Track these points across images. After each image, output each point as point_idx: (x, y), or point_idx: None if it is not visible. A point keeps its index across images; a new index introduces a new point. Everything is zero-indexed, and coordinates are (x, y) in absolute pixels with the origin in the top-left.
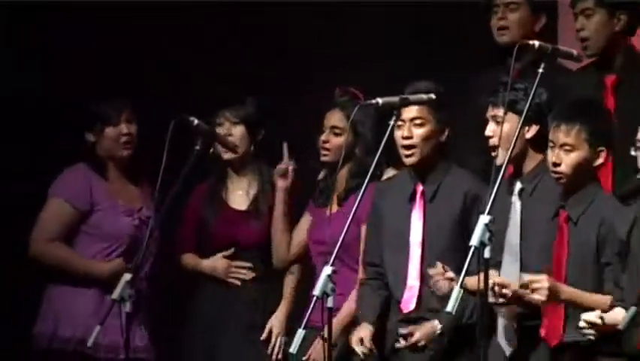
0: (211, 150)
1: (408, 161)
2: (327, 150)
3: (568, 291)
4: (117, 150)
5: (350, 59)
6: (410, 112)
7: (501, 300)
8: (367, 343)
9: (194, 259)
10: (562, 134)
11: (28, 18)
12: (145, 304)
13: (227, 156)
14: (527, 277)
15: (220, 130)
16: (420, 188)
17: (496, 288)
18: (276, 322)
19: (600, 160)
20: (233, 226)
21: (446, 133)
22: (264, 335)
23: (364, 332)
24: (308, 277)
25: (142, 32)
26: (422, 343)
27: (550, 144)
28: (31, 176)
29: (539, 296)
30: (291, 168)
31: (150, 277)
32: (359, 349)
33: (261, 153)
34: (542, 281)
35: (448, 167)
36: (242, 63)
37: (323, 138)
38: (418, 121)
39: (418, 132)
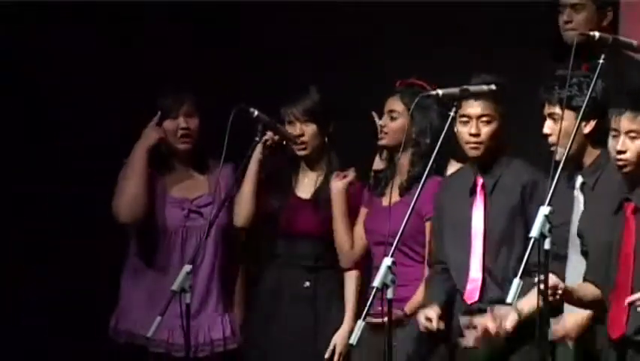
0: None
1: (473, 153)
2: (385, 133)
3: None
4: (175, 143)
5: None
6: (476, 108)
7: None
8: (435, 322)
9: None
10: (626, 122)
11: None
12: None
13: (302, 153)
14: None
15: (291, 129)
16: (480, 181)
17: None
18: (339, 339)
19: None
20: (296, 215)
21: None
22: (327, 354)
23: (431, 312)
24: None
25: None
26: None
27: (613, 133)
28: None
29: None
30: (352, 172)
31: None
32: (427, 324)
33: (332, 144)
34: None
35: (509, 160)
36: (244, 65)
37: (381, 122)
38: (485, 118)
39: (486, 130)
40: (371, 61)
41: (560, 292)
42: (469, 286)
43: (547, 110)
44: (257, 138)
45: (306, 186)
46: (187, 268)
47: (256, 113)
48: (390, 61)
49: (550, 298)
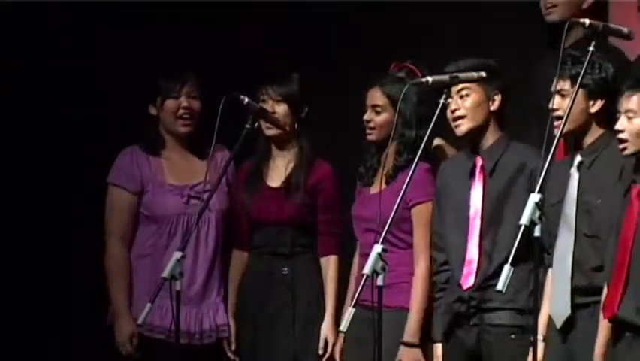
0: (255, 125)
1: (458, 131)
2: (372, 128)
3: None
4: (175, 125)
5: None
6: (457, 85)
7: None
8: None
9: (232, 285)
10: (624, 101)
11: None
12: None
13: (271, 132)
14: None
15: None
16: (479, 162)
17: None
18: (328, 331)
19: None
20: (266, 203)
21: (498, 101)
22: (320, 350)
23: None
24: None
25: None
26: None
27: (618, 115)
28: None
29: None
30: None
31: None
32: None
33: (304, 130)
34: None
35: (508, 142)
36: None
37: (366, 117)
38: (463, 92)
39: (465, 103)
40: (370, 60)
41: None
42: (465, 271)
43: (556, 86)
44: (247, 126)
45: (276, 173)
46: (177, 255)
47: (246, 100)
48: (388, 59)
49: None
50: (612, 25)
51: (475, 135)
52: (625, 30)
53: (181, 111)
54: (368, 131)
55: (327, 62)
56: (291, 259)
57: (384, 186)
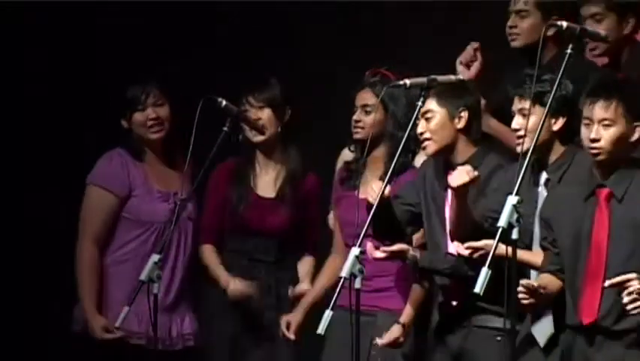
0: (240, 136)
1: (425, 153)
2: (360, 128)
3: None
4: (147, 134)
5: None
6: (424, 106)
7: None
8: None
9: (215, 266)
10: (600, 110)
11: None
12: (191, 289)
13: (257, 139)
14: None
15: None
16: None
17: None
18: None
19: (636, 136)
20: (261, 214)
21: (464, 118)
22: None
23: None
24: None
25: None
26: None
27: (586, 122)
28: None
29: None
30: None
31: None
32: None
33: (289, 134)
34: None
35: (483, 156)
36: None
37: (355, 117)
38: (428, 115)
39: (429, 125)
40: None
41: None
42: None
43: (517, 105)
44: (225, 129)
45: (266, 183)
46: (154, 257)
47: (224, 103)
48: (387, 60)
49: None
50: (589, 29)
51: (444, 153)
52: (602, 33)
53: (150, 122)
54: (356, 130)
55: (314, 63)
56: (275, 266)
57: None
